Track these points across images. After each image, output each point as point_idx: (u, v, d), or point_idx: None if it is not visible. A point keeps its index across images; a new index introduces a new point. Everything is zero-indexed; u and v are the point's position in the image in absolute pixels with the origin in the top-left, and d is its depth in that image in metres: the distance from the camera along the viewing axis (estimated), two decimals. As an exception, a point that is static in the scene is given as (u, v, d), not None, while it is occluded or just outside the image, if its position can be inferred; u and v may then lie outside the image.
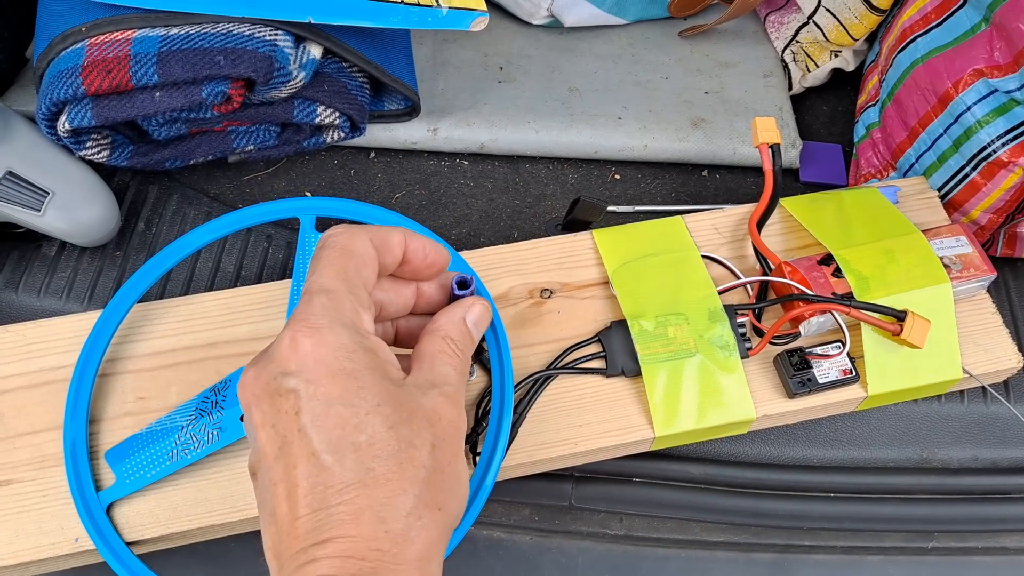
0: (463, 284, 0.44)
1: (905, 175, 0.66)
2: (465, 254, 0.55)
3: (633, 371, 0.51)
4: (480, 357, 0.51)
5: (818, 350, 0.52)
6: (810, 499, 0.56)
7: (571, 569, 0.55)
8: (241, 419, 0.47)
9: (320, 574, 0.31)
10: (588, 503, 0.56)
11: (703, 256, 0.55)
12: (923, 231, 0.56)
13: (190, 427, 0.47)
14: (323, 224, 0.53)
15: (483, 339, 0.49)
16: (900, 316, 0.50)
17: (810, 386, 0.51)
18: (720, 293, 0.53)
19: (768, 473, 0.56)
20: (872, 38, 0.74)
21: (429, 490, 0.33)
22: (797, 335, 0.53)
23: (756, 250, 0.55)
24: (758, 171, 0.71)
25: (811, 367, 0.52)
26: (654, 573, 0.55)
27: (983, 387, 0.56)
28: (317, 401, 0.33)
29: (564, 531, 0.55)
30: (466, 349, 0.40)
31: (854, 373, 0.52)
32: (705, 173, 0.72)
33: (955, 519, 0.56)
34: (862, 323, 0.52)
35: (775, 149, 0.55)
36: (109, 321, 0.50)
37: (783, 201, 0.58)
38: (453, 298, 0.44)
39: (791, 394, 0.51)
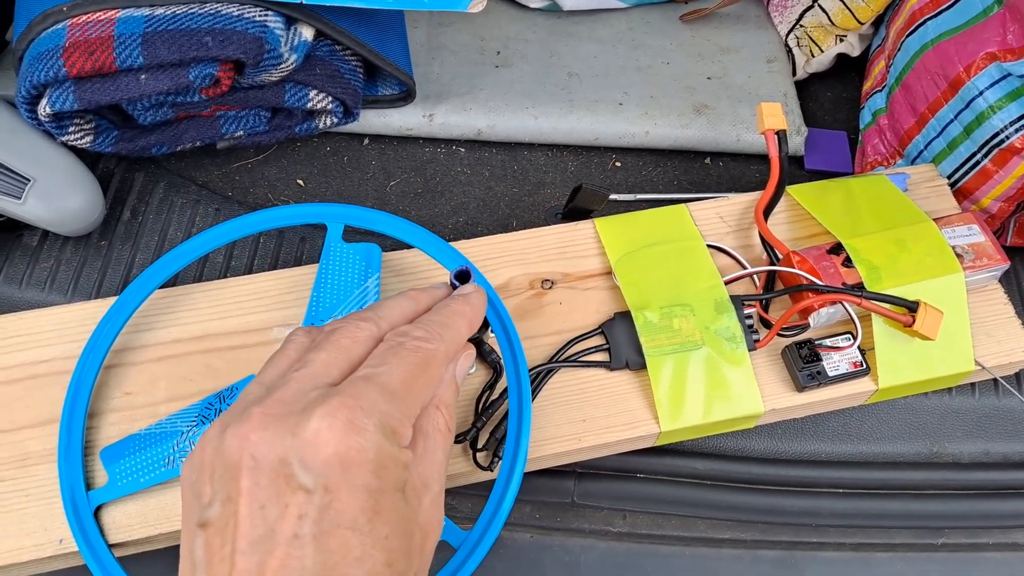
0: (462, 277, 0.42)
1: (913, 162, 0.64)
2: (463, 244, 0.54)
3: (637, 364, 0.50)
4: (481, 349, 0.49)
5: (828, 342, 0.51)
6: (818, 495, 0.55)
7: (573, 567, 0.53)
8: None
9: None
10: (591, 500, 0.54)
11: (708, 246, 0.54)
12: (934, 219, 0.54)
13: (190, 433, 0.45)
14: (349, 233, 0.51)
15: (488, 332, 0.47)
16: (912, 307, 0.49)
17: (819, 379, 0.50)
18: (726, 284, 0.52)
19: (775, 468, 0.55)
20: (878, 22, 0.72)
21: None
22: (806, 327, 0.51)
23: (763, 239, 0.54)
24: (762, 159, 0.70)
25: (821, 359, 0.50)
26: (658, 571, 0.53)
27: (995, 380, 0.55)
28: (328, 515, 0.29)
29: (566, 529, 0.54)
30: (453, 417, 0.38)
31: (864, 366, 0.51)
32: (708, 161, 0.70)
33: (966, 515, 0.55)
34: (873, 314, 0.50)
35: (781, 135, 0.54)
36: (119, 313, 0.48)
37: (790, 189, 0.57)
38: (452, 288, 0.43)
39: (800, 387, 0.50)
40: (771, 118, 0.54)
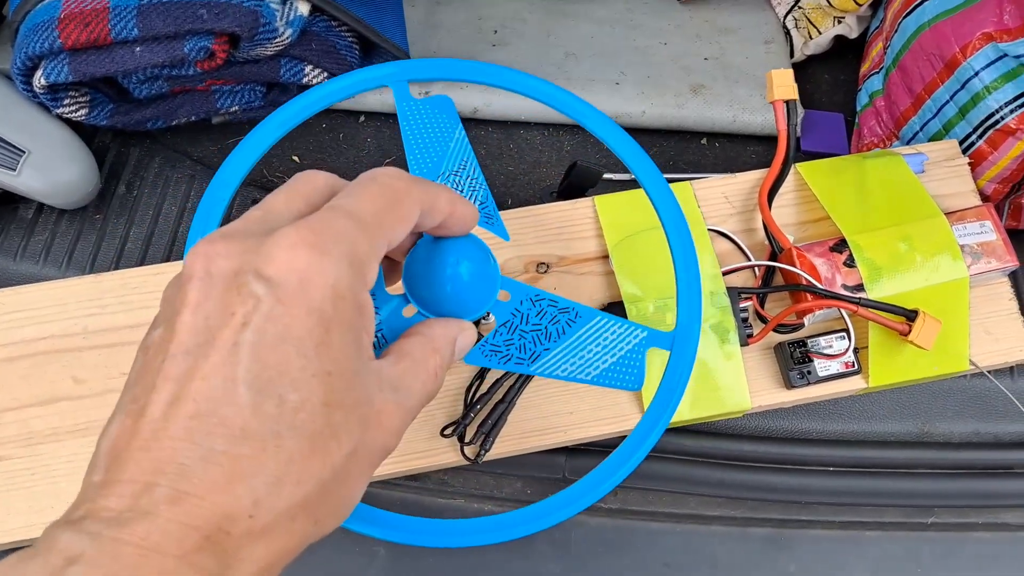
0: None
1: (908, 144, 0.64)
2: (459, 221, 0.53)
3: (627, 357, 0.50)
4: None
5: (823, 342, 0.50)
6: (808, 473, 0.55)
7: (564, 543, 0.54)
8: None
9: (144, 532, 0.24)
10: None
11: (710, 230, 0.53)
12: (948, 213, 0.53)
13: None
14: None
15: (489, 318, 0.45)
16: (911, 316, 0.48)
17: (809, 379, 0.50)
18: (725, 274, 0.51)
19: (766, 446, 0.55)
20: (876, 4, 0.72)
21: (320, 497, 0.28)
22: (801, 326, 0.51)
23: (766, 229, 0.53)
24: (759, 140, 0.70)
25: (812, 361, 0.50)
26: (648, 547, 0.54)
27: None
28: (273, 327, 0.27)
29: (558, 505, 0.54)
30: (443, 373, 0.34)
31: (856, 366, 0.50)
32: (704, 141, 0.70)
33: (955, 494, 0.55)
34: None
35: (791, 106, 0.52)
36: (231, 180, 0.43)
37: (799, 167, 0.55)
38: None
39: (789, 386, 0.50)
40: (782, 88, 0.52)
